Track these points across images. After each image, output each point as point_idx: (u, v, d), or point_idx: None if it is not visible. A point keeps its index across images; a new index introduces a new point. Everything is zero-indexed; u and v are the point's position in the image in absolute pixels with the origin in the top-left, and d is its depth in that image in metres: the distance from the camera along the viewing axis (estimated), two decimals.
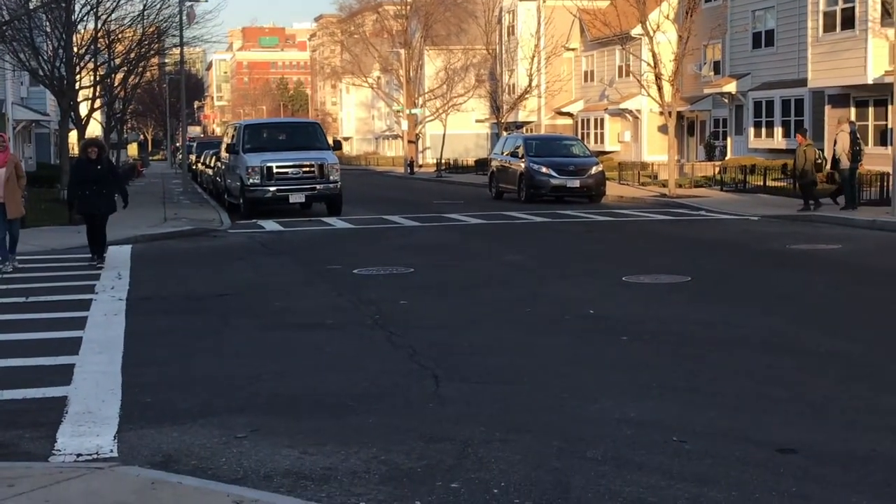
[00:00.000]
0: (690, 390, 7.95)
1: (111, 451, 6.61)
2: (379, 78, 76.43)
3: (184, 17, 38.52)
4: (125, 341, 10.21)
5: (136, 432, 7.00)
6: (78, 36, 30.75)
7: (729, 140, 42.08)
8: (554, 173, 30.66)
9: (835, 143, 24.51)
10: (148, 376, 8.71)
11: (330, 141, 29.18)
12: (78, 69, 29.71)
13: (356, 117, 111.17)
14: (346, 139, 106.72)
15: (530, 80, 51.54)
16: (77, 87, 29.67)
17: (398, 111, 70.05)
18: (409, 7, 67.18)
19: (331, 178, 26.85)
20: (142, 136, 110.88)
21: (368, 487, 5.83)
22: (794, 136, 27.10)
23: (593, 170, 31.07)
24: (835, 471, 6.03)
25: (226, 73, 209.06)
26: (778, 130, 37.30)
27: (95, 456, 6.51)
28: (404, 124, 67.09)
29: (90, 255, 16.83)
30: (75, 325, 11.05)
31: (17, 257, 16.40)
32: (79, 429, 7.10)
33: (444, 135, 62.75)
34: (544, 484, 5.83)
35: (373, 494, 5.72)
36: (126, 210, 17.07)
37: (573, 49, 56.03)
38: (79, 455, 6.53)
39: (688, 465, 6.12)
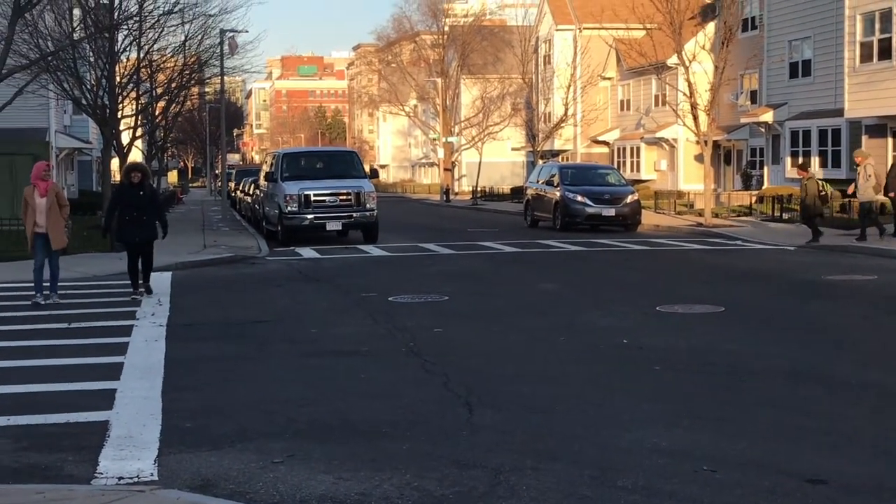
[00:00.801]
0: (722, 420, 8.00)
1: (152, 474, 6.77)
2: (416, 106, 76.98)
3: (225, 48, 39.09)
4: (165, 367, 10.41)
5: (176, 456, 7.17)
6: (121, 66, 31.29)
7: (766, 169, 41.95)
8: (589, 202, 30.73)
9: (872, 175, 24.28)
10: (187, 401, 8.89)
11: (367, 169, 29.45)
12: (120, 98, 30.21)
13: (393, 145, 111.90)
14: (383, 167, 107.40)
15: (566, 109, 51.73)
16: (119, 115, 30.16)
17: (434, 139, 70.51)
18: (445, 36, 67.74)
19: (367, 206, 27.11)
20: (182, 164, 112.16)
21: None
22: (804, 169, 26.75)
23: (629, 198, 31.12)
24: (865, 501, 6.07)
25: (265, 101, 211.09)
26: (815, 160, 37.14)
27: (136, 479, 6.67)
28: (440, 152, 67.47)
29: (131, 289, 16.23)
30: (117, 350, 11.28)
31: (59, 283, 15.99)
32: (120, 452, 7.28)
33: (479, 163, 63.02)
34: None
35: None
36: (166, 237, 17.18)
37: (609, 78, 56.18)
38: (120, 478, 6.70)
39: (718, 494, 6.18)
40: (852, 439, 7.42)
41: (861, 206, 24.46)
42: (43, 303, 15.18)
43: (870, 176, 23.99)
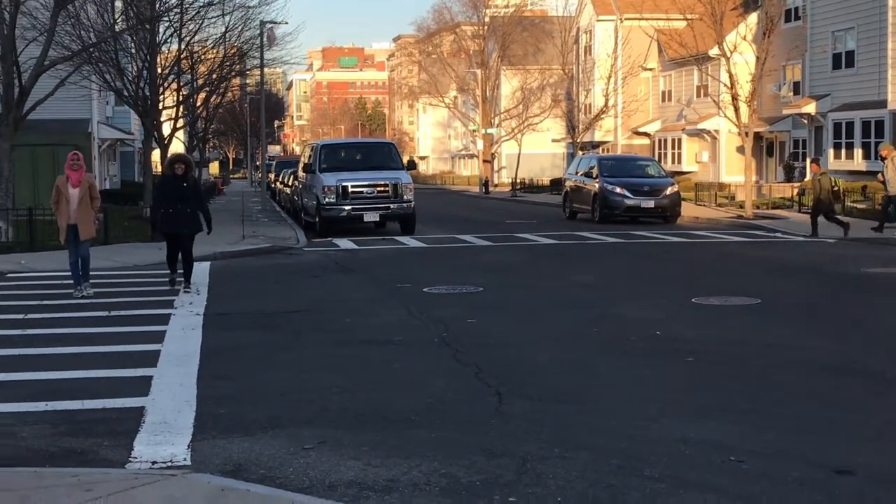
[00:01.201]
0: (752, 411, 7.98)
1: (185, 459, 6.89)
2: (456, 98, 76.96)
3: (264, 40, 39.31)
4: (201, 355, 10.55)
5: (209, 442, 7.28)
6: (162, 57, 31.57)
7: (808, 161, 41.52)
8: (628, 193, 30.61)
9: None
10: (222, 389, 9.01)
11: (405, 160, 29.52)
12: (161, 89, 30.52)
13: (433, 136, 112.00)
14: (423, 158, 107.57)
15: (606, 100, 51.50)
16: (160, 106, 30.48)
17: (474, 131, 70.40)
18: (486, 27, 67.59)
19: (404, 197, 27.20)
20: (223, 155, 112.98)
21: (429, 499, 6.01)
22: (810, 166, 26.56)
23: (668, 190, 30.96)
24: (893, 493, 6.04)
25: (305, 92, 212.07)
26: (858, 152, 36.78)
27: (170, 463, 6.79)
28: (480, 144, 67.44)
29: (168, 279, 16.30)
30: (154, 338, 11.44)
31: (91, 274, 15.93)
32: (155, 438, 7.41)
33: (519, 154, 62.94)
34: (600, 500, 5.96)
35: None
36: (211, 232, 17.13)
37: (650, 69, 55.85)
38: (154, 462, 6.82)
39: (745, 484, 6.19)
40: (884, 432, 7.38)
41: (892, 200, 24.27)
42: (80, 295, 15.35)
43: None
